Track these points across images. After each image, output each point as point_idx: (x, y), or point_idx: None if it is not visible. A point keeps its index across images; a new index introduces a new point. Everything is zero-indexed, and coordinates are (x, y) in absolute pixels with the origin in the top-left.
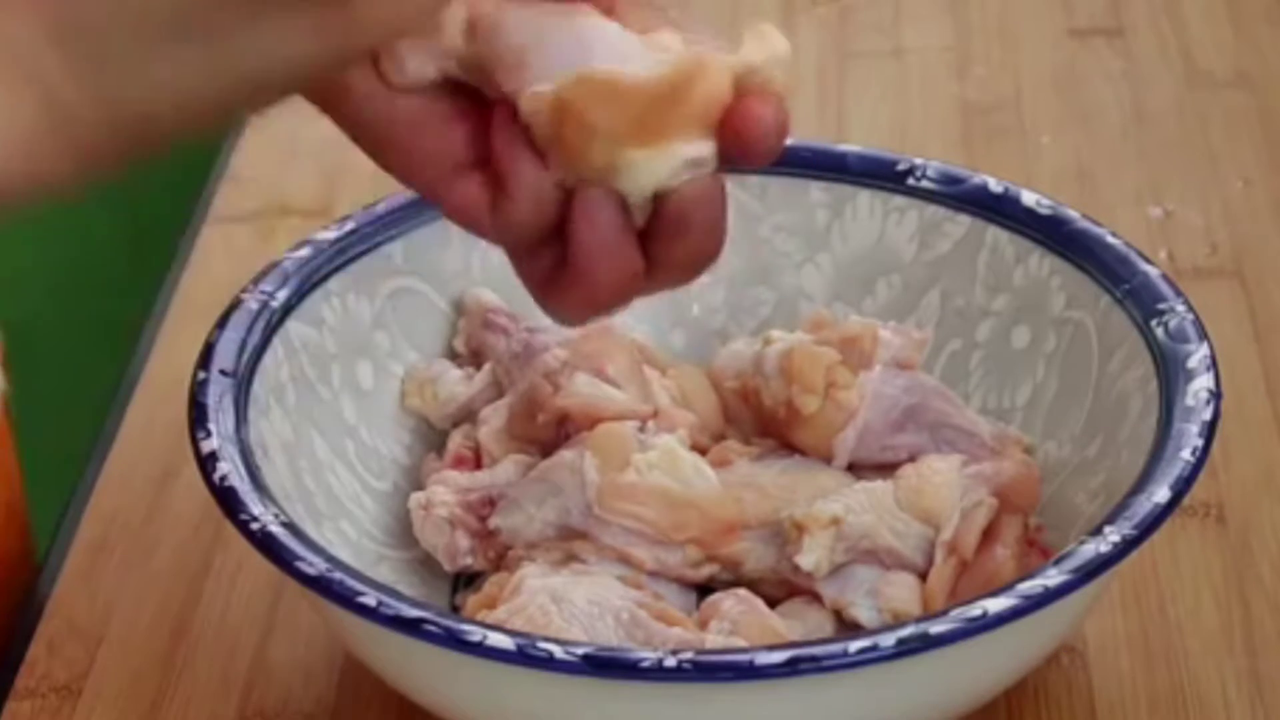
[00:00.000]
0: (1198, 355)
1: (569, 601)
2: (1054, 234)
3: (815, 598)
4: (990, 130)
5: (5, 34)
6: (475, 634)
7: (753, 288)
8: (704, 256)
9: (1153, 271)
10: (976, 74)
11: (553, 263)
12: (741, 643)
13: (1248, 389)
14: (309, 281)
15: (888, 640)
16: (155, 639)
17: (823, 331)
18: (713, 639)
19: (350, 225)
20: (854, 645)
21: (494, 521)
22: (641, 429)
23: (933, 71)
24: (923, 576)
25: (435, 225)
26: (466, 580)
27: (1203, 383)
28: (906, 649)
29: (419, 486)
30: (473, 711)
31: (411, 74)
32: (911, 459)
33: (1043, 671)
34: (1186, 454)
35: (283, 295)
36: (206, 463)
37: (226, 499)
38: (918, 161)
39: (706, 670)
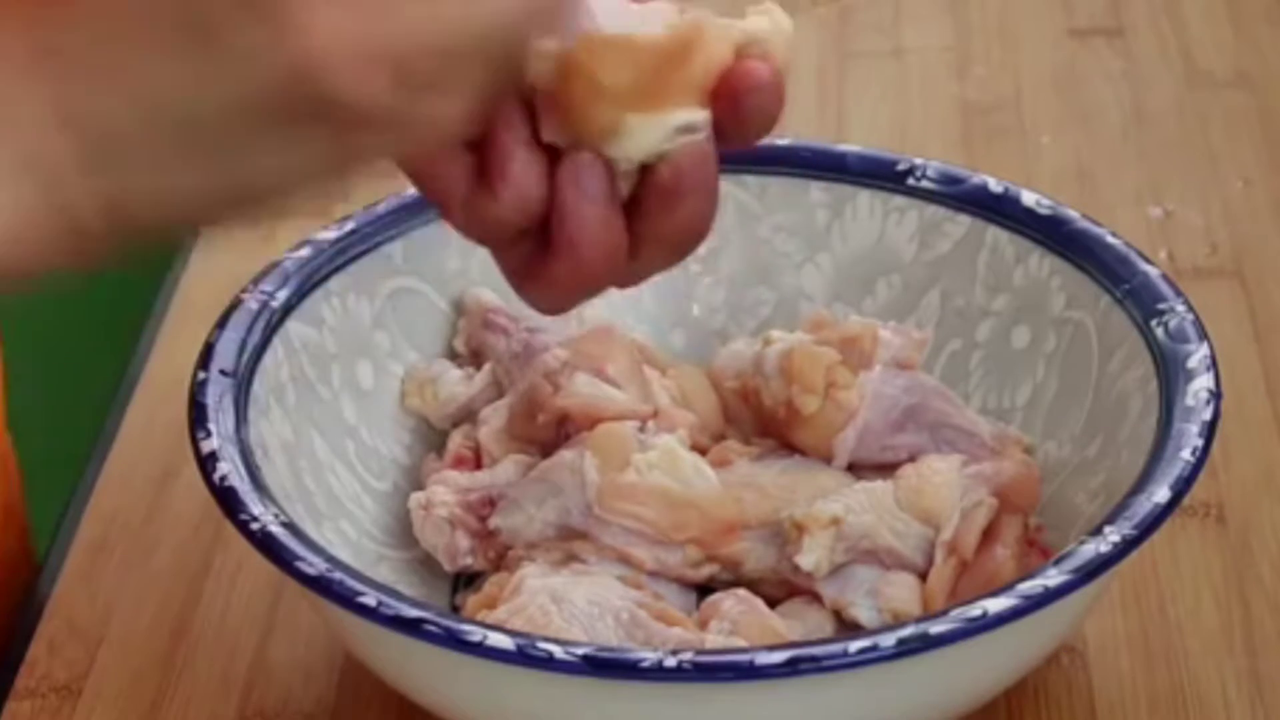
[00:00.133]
0: (1198, 355)
1: (569, 601)
2: (1054, 234)
3: (815, 598)
4: (990, 130)
5: (17, 117)
6: (475, 634)
7: (753, 288)
8: (693, 232)
9: (1153, 271)
10: (976, 74)
11: (533, 248)
12: (741, 643)
13: (1248, 389)
14: (309, 281)
15: (888, 640)
16: (155, 639)
17: (823, 331)
18: (713, 639)
19: (350, 225)
20: (854, 645)
21: (494, 521)
22: (641, 429)
23: (933, 71)
24: (923, 576)
25: (435, 225)
26: (466, 580)
27: (1203, 383)
28: (906, 649)
29: (419, 486)
30: (473, 711)
31: None
32: (911, 459)
33: (1043, 671)
34: (1186, 454)
35: (283, 295)
36: (206, 463)
37: (226, 499)
38: (918, 161)
39: (706, 670)
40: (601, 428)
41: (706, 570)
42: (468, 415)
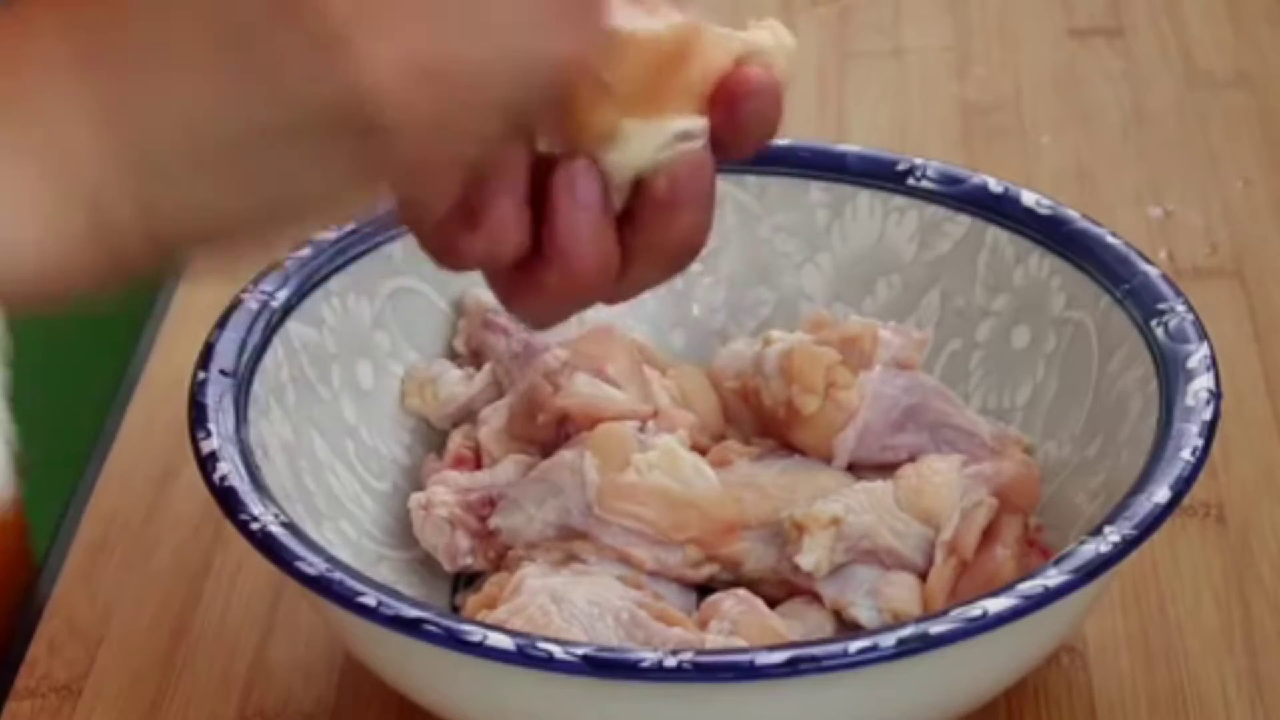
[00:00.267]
0: (1198, 355)
1: (569, 601)
2: (1054, 234)
3: (815, 598)
4: (990, 130)
5: (66, 143)
6: (475, 634)
7: (753, 288)
8: (688, 245)
9: (1153, 271)
10: (976, 74)
11: (522, 260)
12: (741, 643)
13: (1248, 389)
14: (309, 281)
15: (888, 640)
16: (155, 639)
17: (823, 331)
18: (713, 639)
19: (350, 225)
20: (854, 645)
21: (494, 521)
22: (641, 429)
23: (933, 71)
24: (923, 576)
25: None
26: (466, 580)
27: (1203, 383)
28: (906, 649)
29: (419, 486)
30: (473, 711)
31: None
32: (911, 459)
33: (1043, 671)
34: (1186, 454)
35: (283, 295)
36: (206, 463)
37: (226, 499)
38: (918, 161)
39: (706, 670)
40: (601, 428)
41: (706, 570)
42: (468, 415)
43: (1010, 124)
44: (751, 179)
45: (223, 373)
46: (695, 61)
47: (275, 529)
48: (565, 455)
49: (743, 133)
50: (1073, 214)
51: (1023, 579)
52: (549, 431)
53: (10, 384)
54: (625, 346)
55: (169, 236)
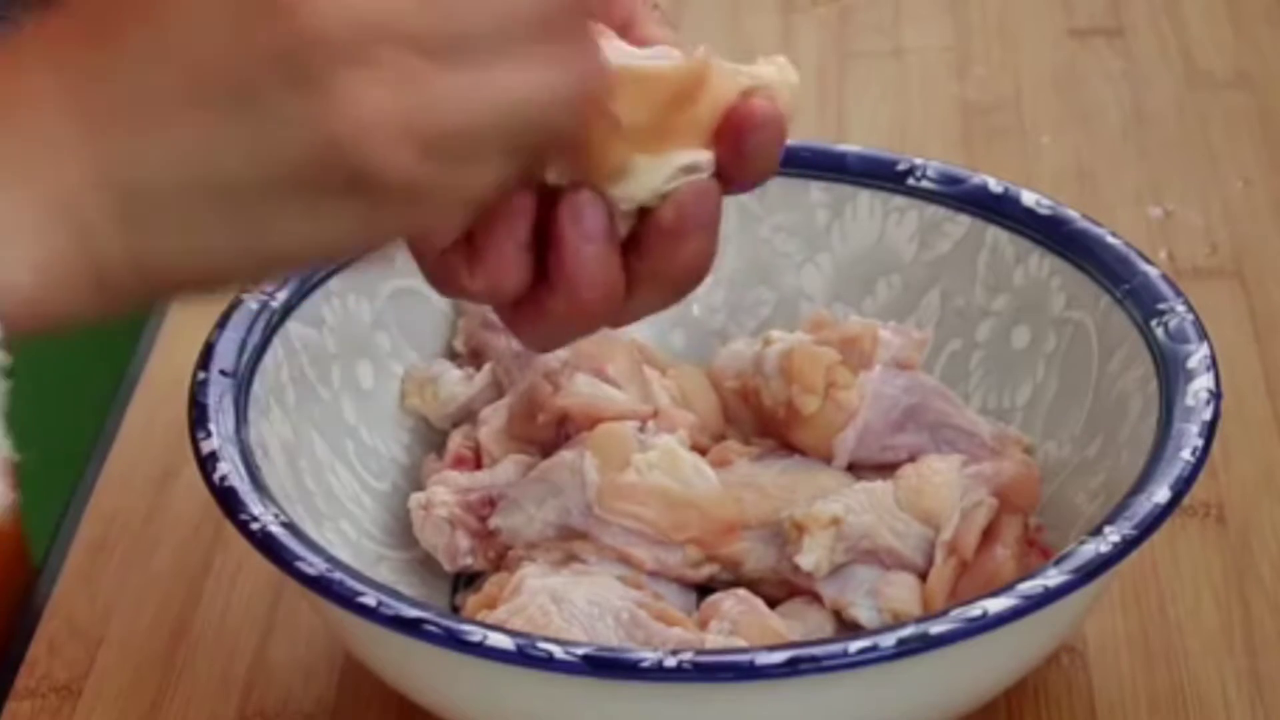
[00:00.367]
0: (1198, 355)
1: (569, 601)
2: (1054, 234)
3: (815, 598)
4: (990, 130)
5: (61, 179)
6: (475, 634)
7: (753, 288)
8: (694, 271)
9: (1153, 271)
10: (976, 74)
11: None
12: (741, 643)
13: (1248, 389)
14: (309, 281)
15: (888, 640)
16: (155, 639)
17: (823, 331)
18: (713, 639)
19: None
20: (854, 645)
21: (494, 521)
22: (641, 429)
23: (933, 71)
24: (923, 576)
25: None
26: (466, 580)
27: (1203, 383)
28: (906, 649)
29: (419, 486)
30: (473, 711)
31: None
32: (911, 459)
33: (1043, 671)
34: (1186, 454)
35: (283, 295)
36: (206, 463)
37: (226, 499)
38: (918, 161)
39: (706, 670)
40: (601, 428)
41: (706, 570)
42: (468, 415)
43: (1010, 124)
44: None
45: (223, 373)
46: (704, 96)
47: (275, 529)
48: (565, 455)
49: (747, 165)
50: (1073, 214)
51: (1023, 579)
52: (549, 431)
53: (9, 393)
54: (625, 346)
55: (160, 277)
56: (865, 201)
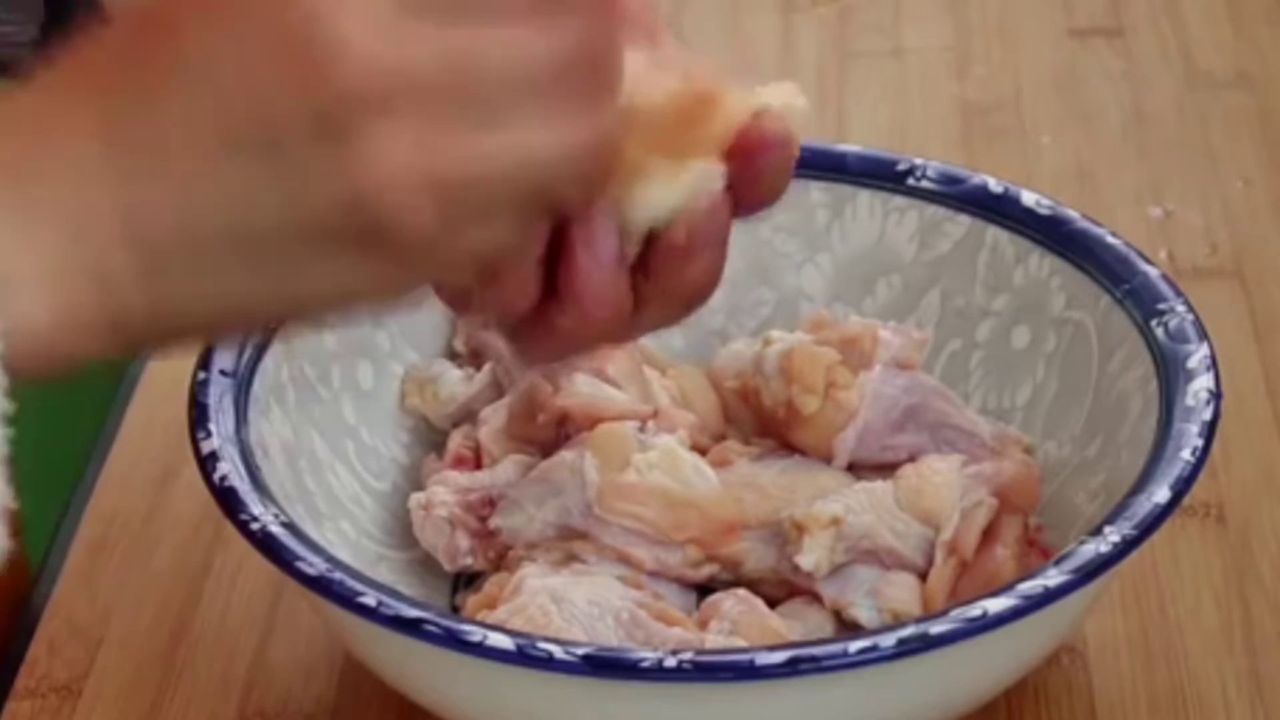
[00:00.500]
0: (1198, 355)
1: (569, 601)
2: (1054, 234)
3: (815, 598)
4: (990, 130)
5: (88, 220)
6: (475, 634)
7: (753, 288)
8: (702, 288)
9: (1153, 271)
10: (976, 74)
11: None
12: (741, 643)
13: (1248, 389)
14: None
15: (888, 640)
16: (155, 639)
17: (823, 331)
18: (713, 639)
19: None
20: (854, 645)
21: (494, 521)
22: (641, 429)
23: (933, 71)
24: (923, 576)
25: None
26: (466, 580)
27: (1203, 383)
28: (906, 649)
29: (419, 486)
30: (473, 711)
31: None
32: (911, 459)
33: (1043, 671)
34: (1186, 454)
35: None
36: (206, 463)
37: (226, 499)
38: (918, 161)
39: (706, 670)
40: (601, 428)
41: (706, 570)
42: (468, 415)
43: (1010, 124)
44: None
45: (223, 373)
46: (717, 115)
47: (275, 529)
48: (565, 455)
49: (757, 186)
50: (1073, 214)
51: (1023, 579)
52: (549, 431)
53: (10, 439)
54: (625, 346)
55: (176, 323)
56: (865, 201)
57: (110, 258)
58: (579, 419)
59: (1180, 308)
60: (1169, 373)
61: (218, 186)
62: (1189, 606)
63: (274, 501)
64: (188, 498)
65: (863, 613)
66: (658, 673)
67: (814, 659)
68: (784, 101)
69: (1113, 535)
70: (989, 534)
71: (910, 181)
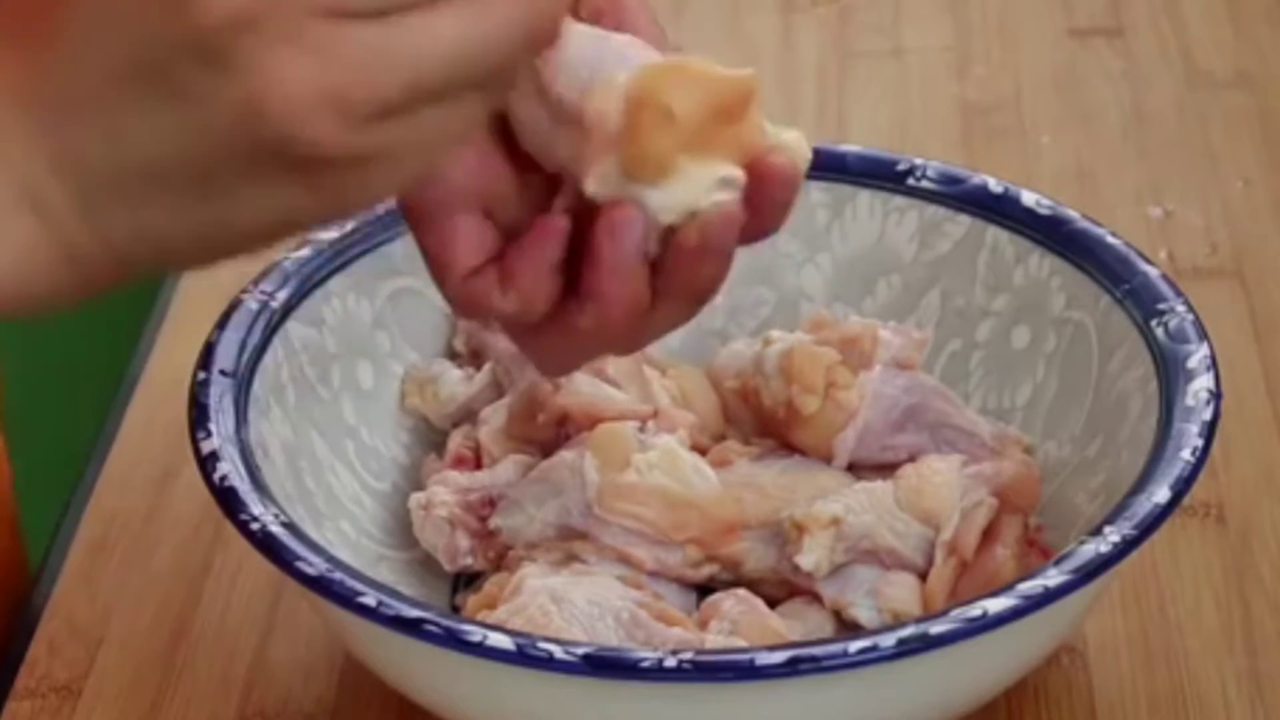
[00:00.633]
0: (1198, 355)
1: (569, 601)
2: (1054, 234)
3: (815, 598)
4: (990, 130)
5: (21, 166)
6: (475, 634)
7: (753, 288)
8: (705, 292)
9: (1153, 271)
10: (976, 74)
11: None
12: (741, 643)
13: (1248, 389)
14: (309, 281)
15: (888, 640)
16: (155, 639)
17: (823, 331)
18: (713, 639)
19: (350, 225)
20: (854, 645)
21: (494, 521)
22: (641, 429)
23: (933, 71)
24: (923, 576)
25: None
26: (466, 580)
27: (1203, 383)
28: (906, 649)
29: (419, 486)
30: (473, 711)
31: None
32: (911, 459)
33: (1043, 671)
34: (1186, 454)
35: (283, 295)
36: (206, 463)
37: (226, 499)
38: (918, 161)
39: (706, 670)
40: (601, 428)
41: (706, 570)
42: (468, 415)
43: (1010, 124)
44: None
45: (223, 373)
46: (748, 120)
47: (275, 529)
48: (565, 455)
49: (761, 216)
50: (1073, 214)
51: (1023, 579)
52: (549, 431)
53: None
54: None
55: (129, 257)
56: (865, 201)
57: (49, 197)
58: (579, 419)
59: (1180, 308)
60: (1169, 373)
61: (127, 125)
62: (1189, 606)
63: (274, 501)
64: (188, 498)
65: (863, 613)
66: (658, 673)
67: (814, 659)
68: (794, 143)
69: (1113, 535)
70: (989, 534)
71: (910, 181)
